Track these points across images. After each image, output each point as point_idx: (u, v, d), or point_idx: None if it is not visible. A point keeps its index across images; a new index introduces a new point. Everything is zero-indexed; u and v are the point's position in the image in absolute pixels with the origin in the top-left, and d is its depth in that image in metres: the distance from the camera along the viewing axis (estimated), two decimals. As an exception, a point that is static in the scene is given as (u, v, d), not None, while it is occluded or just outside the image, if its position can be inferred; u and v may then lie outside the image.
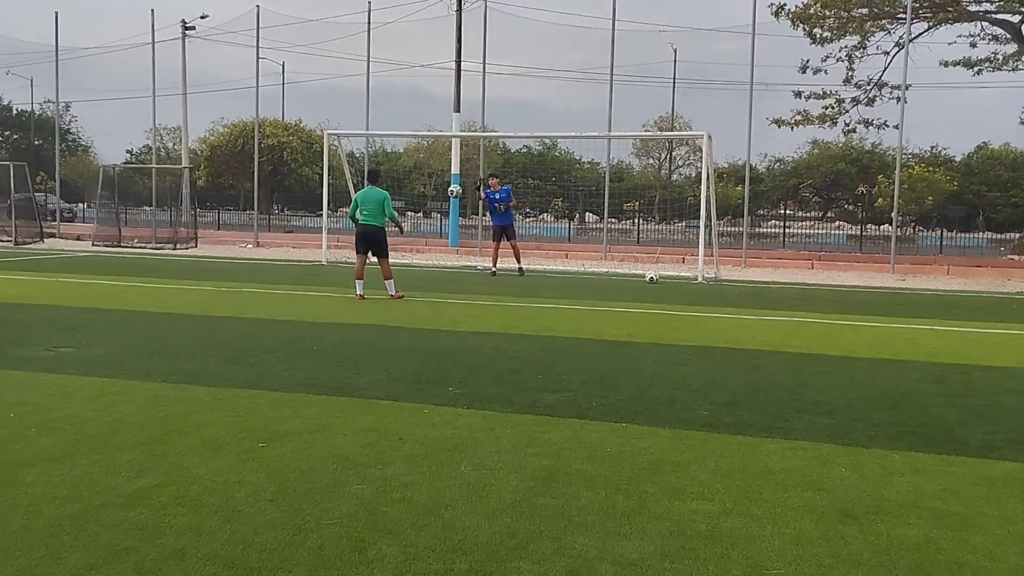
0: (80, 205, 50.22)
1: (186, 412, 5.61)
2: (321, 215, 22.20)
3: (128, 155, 63.72)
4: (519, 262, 18.23)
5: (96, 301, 11.49)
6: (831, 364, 8.00)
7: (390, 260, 13.21)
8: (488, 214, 19.03)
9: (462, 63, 25.80)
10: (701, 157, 20.11)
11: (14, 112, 66.56)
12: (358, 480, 4.36)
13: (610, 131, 22.17)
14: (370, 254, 12.92)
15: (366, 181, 13.37)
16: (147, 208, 31.35)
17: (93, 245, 24.64)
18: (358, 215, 12.83)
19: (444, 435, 5.22)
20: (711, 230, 19.40)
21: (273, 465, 4.57)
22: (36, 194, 33.99)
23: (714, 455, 4.96)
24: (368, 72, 25.35)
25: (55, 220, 34.60)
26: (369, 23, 25.80)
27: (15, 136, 66.84)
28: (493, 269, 18.18)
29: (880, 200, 34.14)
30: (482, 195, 18.81)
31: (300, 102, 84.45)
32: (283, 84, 57.02)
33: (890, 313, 12.50)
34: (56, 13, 29.36)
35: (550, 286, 15.64)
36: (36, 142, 62.29)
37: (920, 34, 23.58)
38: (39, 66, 51.43)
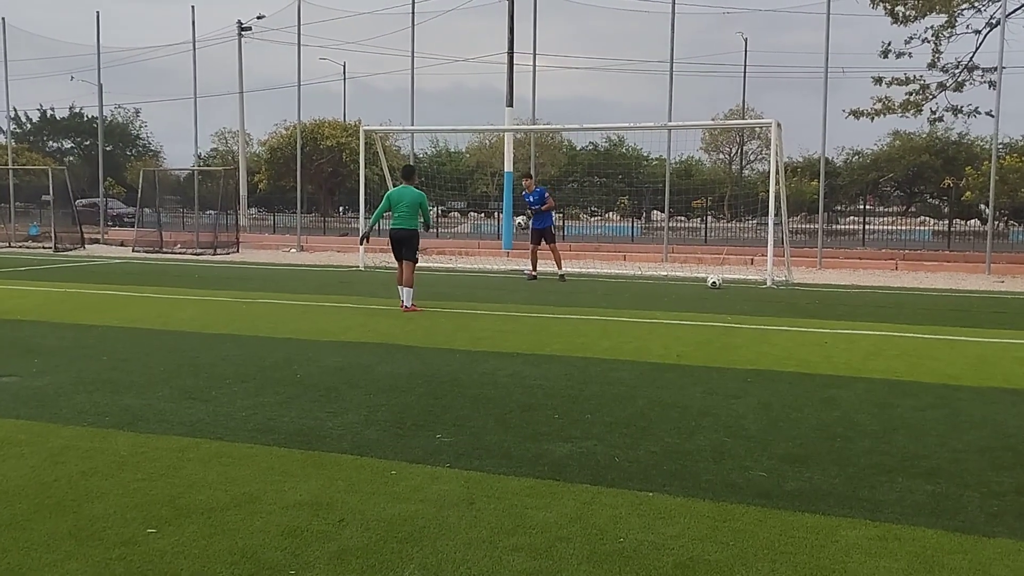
0: (146, 210, 50.39)
1: (85, 474, 4.38)
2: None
3: (196, 159, 64.07)
4: (560, 268, 16.83)
5: (89, 316, 10.47)
6: (926, 396, 6.42)
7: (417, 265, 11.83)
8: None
9: (514, 54, 24.46)
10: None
11: (86, 118, 67.35)
12: (248, 600, 3.05)
13: (670, 121, 20.56)
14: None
15: (400, 178, 12.03)
16: (210, 212, 30.75)
17: (133, 251, 23.98)
18: (388, 215, 11.57)
19: (403, 513, 3.88)
20: (782, 228, 17.68)
21: (146, 568, 3.29)
22: (98, 199, 34.01)
23: (770, 549, 3.53)
24: (412, 67, 24.22)
25: (113, 225, 34.39)
26: (413, 16, 24.66)
27: (86, 142, 67.68)
28: (533, 273, 16.82)
29: (968, 193, 31.73)
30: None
31: (370, 102, 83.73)
32: (344, 82, 56.49)
33: (991, 324, 10.75)
34: (97, 13, 28.83)
35: (598, 293, 14.17)
36: (107, 147, 63.00)
37: (1016, 10, 21.39)
38: (108, 71, 51.73)
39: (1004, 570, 3.36)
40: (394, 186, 12.13)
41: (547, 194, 16.99)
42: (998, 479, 4.46)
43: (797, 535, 3.69)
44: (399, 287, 11.45)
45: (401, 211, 11.46)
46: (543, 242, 16.75)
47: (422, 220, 11.60)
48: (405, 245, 11.53)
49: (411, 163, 13.58)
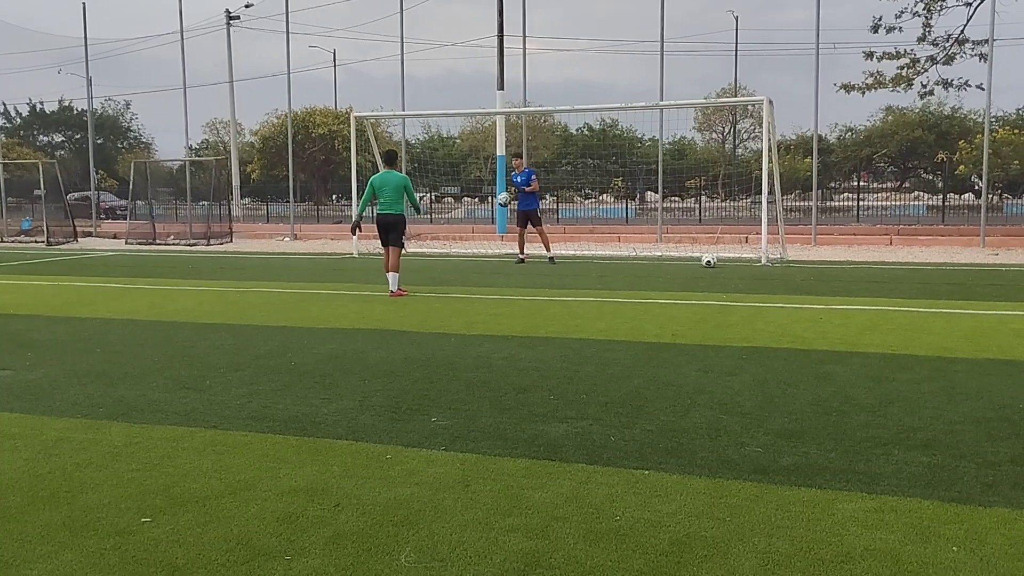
0: (139, 202, 50.10)
1: (79, 465, 4.36)
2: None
3: (189, 150, 63.68)
4: (548, 250, 16.68)
5: (82, 309, 10.42)
6: (921, 369, 6.42)
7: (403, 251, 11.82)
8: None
9: (504, 38, 24.33)
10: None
11: (76, 111, 66.95)
12: (243, 586, 3.04)
13: (662, 100, 20.46)
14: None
15: (383, 163, 12.00)
16: (203, 203, 30.66)
17: (127, 243, 23.89)
18: (374, 202, 11.56)
19: (399, 497, 3.87)
20: (776, 206, 17.66)
21: (140, 557, 3.28)
22: (90, 192, 33.86)
23: (766, 524, 3.52)
24: (402, 52, 24.09)
25: (105, 218, 34.25)
26: (402, 1, 24.50)
27: (77, 135, 67.33)
28: (522, 256, 16.71)
29: (961, 167, 31.73)
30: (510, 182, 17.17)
31: (362, 90, 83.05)
32: (334, 70, 56.30)
33: (986, 296, 10.75)
34: (84, 4, 28.54)
35: (592, 275, 14.15)
36: (98, 140, 62.60)
37: (1006, -18, 21.32)
38: (97, 64, 51.40)
39: (1000, 539, 3.36)
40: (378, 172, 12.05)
41: (534, 176, 16.80)
42: (993, 449, 4.46)
43: (793, 509, 3.68)
44: (387, 274, 11.42)
45: (387, 196, 11.46)
46: (529, 224, 16.66)
47: (411, 205, 11.66)
48: (392, 230, 11.53)
49: (394, 149, 13.48)
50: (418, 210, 11.74)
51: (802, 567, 3.14)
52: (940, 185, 35.45)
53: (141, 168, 27.93)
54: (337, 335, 8.25)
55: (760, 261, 16.02)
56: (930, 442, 4.59)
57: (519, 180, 16.55)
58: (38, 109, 64.73)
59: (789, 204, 28.64)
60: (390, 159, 12.00)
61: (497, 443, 4.66)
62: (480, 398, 5.65)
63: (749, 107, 43.04)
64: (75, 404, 5.63)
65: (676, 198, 36.77)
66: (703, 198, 33.94)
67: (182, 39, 27.29)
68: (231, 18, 39.19)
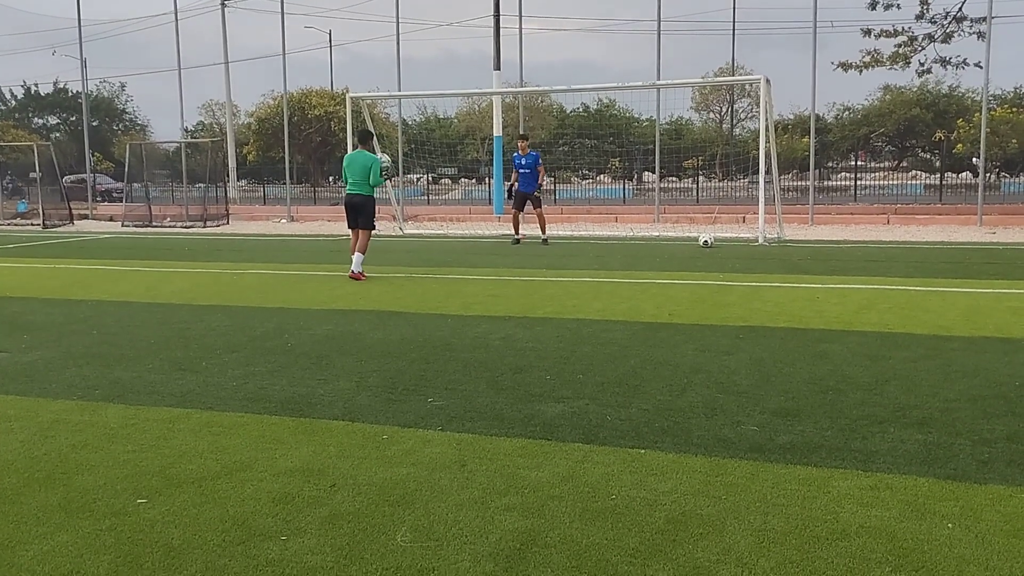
0: (135, 185, 49.88)
1: (75, 447, 4.36)
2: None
3: (185, 132, 63.34)
4: (543, 232, 16.72)
5: (78, 291, 10.40)
6: (918, 347, 6.42)
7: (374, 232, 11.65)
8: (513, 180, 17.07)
9: (501, 17, 24.23)
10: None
11: (71, 93, 66.58)
12: (239, 567, 3.04)
13: (658, 79, 20.39)
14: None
15: (357, 143, 11.87)
16: (199, 185, 30.56)
17: (123, 226, 23.84)
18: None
19: (395, 477, 3.87)
20: (773, 185, 17.63)
21: (137, 538, 3.28)
22: (86, 175, 33.76)
23: (762, 502, 3.53)
24: (398, 31, 24.00)
25: (102, 200, 34.16)
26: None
27: (72, 118, 66.98)
28: (517, 237, 16.67)
29: (959, 146, 31.71)
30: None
31: (359, 71, 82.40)
32: (330, 51, 56.04)
33: (983, 275, 10.75)
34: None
35: (590, 255, 14.14)
36: (94, 122, 62.26)
37: (1005, -42, 21.19)
38: (91, 45, 51.04)
39: (995, 515, 3.37)
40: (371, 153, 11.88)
41: (540, 162, 16.72)
42: (989, 427, 4.46)
43: (789, 487, 3.69)
44: (351, 256, 11.26)
45: (354, 176, 11.29)
46: (528, 206, 16.61)
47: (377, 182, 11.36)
48: (361, 212, 11.34)
49: (369, 129, 13.34)
50: (373, 184, 11.34)
51: (797, 544, 3.14)
52: (938, 164, 35.38)
53: (137, 150, 27.86)
54: (333, 317, 8.24)
55: (757, 241, 16.01)
56: (926, 420, 4.60)
57: (523, 163, 16.45)
58: (33, 91, 64.36)
59: (786, 183, 28.62)
60: (363, 138, 11.80)
61: (493, 423, 4.66)
62: (477, 378, 5.64)
63: (746, 86, 42.80)
64: (71, 386, 5.62)
65: (673, 178, 36.70)
66: (700, 178, 33.87)
67: (176, 20, 27.14)
68: (225, -2, 38.89)
